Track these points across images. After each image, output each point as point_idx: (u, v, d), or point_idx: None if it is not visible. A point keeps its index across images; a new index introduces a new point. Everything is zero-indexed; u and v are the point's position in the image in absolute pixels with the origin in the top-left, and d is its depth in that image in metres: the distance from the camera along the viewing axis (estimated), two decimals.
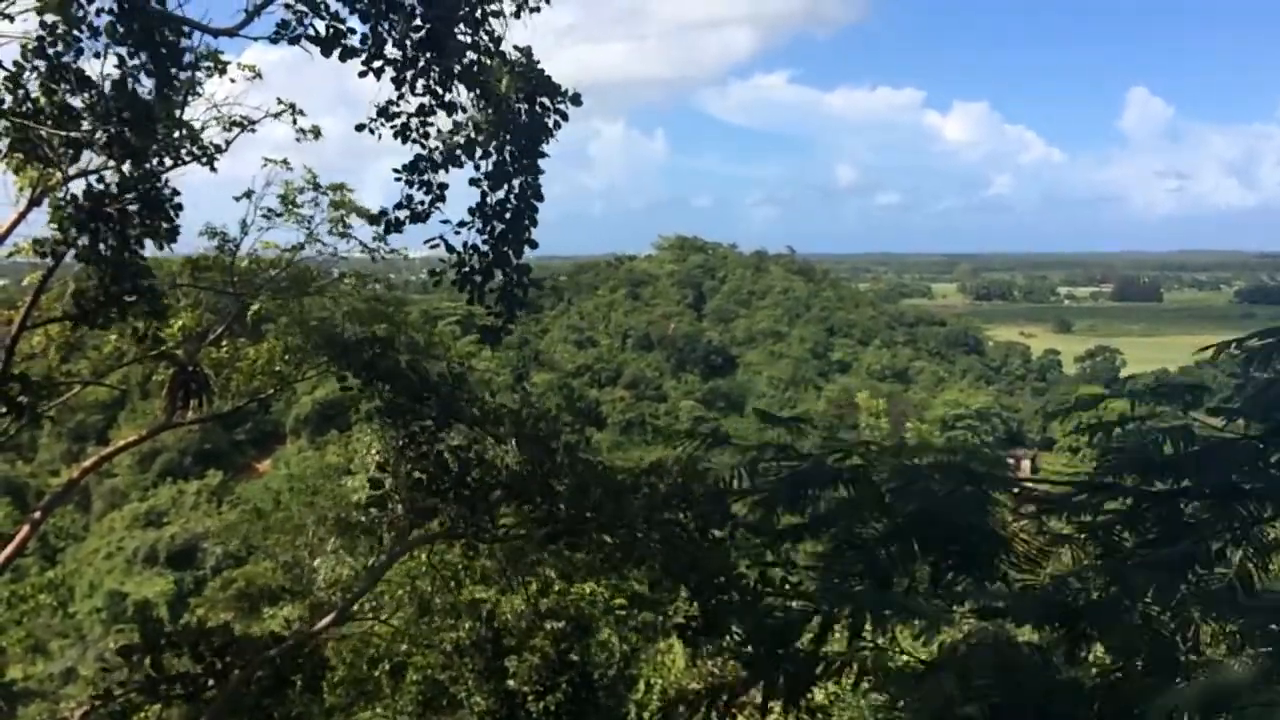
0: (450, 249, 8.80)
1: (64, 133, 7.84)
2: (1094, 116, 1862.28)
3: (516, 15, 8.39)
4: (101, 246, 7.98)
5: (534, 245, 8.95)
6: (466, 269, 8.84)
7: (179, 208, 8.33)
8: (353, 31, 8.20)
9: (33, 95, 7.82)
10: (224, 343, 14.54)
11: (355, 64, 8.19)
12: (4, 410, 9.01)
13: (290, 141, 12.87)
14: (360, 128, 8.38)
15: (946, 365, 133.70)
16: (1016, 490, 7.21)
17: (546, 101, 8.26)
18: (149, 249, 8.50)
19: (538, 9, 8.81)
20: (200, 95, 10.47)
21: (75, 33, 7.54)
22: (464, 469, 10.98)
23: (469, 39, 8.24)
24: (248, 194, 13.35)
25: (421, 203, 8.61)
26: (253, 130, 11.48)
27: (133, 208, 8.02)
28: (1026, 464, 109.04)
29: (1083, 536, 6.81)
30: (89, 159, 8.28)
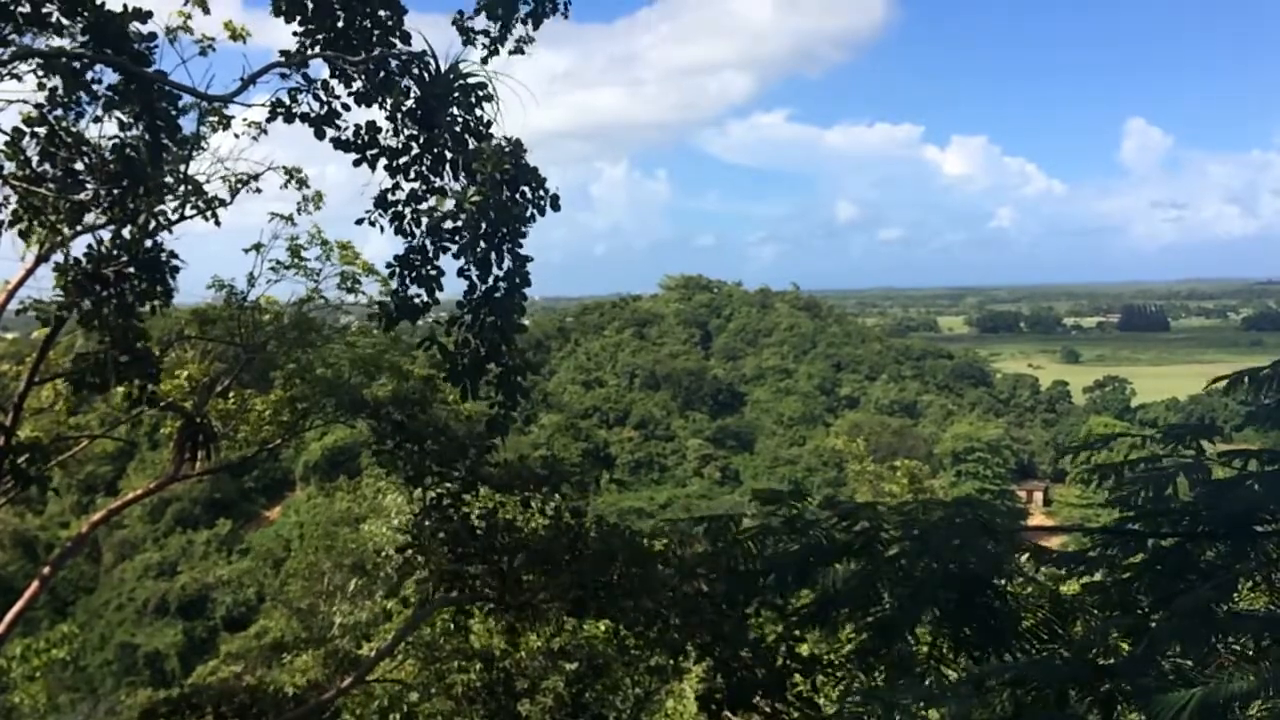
0: (443, 351, 8.67)
1: (66, 197, 7.90)
2: (1093, 147, 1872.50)
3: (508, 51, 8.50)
4: (105, 310, 8.00)
5: (523, 330, 8.88)
6: (458, 369, 8.74)
7: (176, 270, 8.36)
8: (347, 109, 8.28)
9: (33, 161, 7.90)
10: (231, 394, 14.56)
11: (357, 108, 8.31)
12: (10, 479, 9.02)
13: (297, 188, 12.99)
14: (360, 222, 8.41)
15: (955, 398, 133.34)
16: (1028, 553, 7.11)
17: (528, 191, 8.24)
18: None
19: (520, 51, 8.97)
20: (205, 150, 10.59)
21: (78, 95, 7.62)
22: (491, 534, 10.88)
23: (460, 122, 8.30)
24: (256, 247, 13.43)
25: (418, 296, 8.56)
26: (258, 191, 11.57)
27: (130, 270, 8.05)
28: (1039, 495, 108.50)
29: (1096, 597, 6.71)
30: (91, 218, 8.34)
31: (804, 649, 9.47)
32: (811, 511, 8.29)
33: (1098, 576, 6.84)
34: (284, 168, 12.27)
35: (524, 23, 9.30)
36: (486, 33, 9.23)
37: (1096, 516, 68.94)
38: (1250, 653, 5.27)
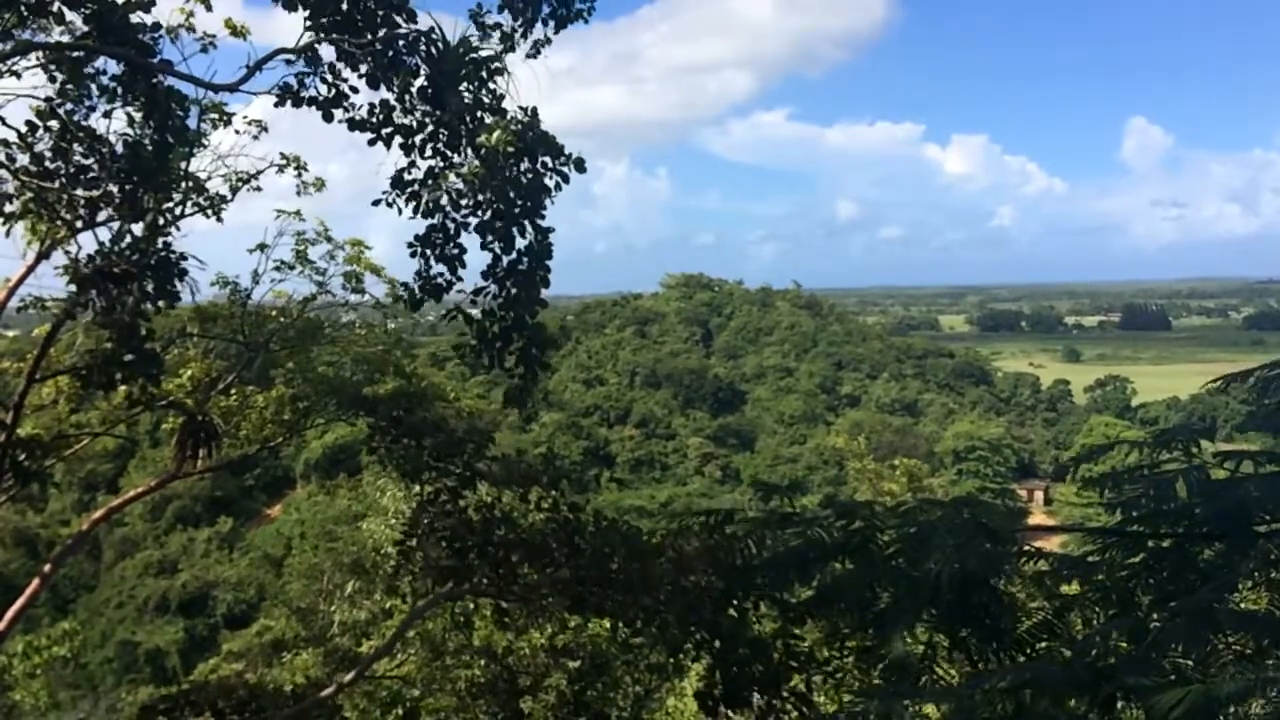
0: (468, 320, 8.65)
1: (78, 192, 7.89)
2: (1094, 146, 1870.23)
3: (525, 53, 8.42)
4: (118, 308, 7.97)
5: (544, 305, 8.83)
6: (487, 336, 8.71)
7: (184, 272, 8.33)
8: (355, 90, 8.20)
9: (45, 156, 7.88)
10: (233, 391, 14.55)
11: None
12: (10, 476, 9.02)
13: (299, 185, 12.97)
14: (377, 203, 8.29)
15: (956, 397, 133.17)
16: (1028, 553, 7.10)
17: (549, 160, 8.13)
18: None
19: (536, 54, 8.91)
20: (206, 147, 10.58)
21: (85, 89, 7.61)
22: (488, 527, 10.86)
23: (471, 97, 8.24)
24: (261, 246, 13.42)
25: (440, 274, 8.48)
26: (258, 189, 11.55)
27: (140, 268, 8.04)
28: (1040, 494, 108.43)
29: (1096, 596, 6.70)
30: (102, 215, 8.33)
31: (802, 647, 9.44)
32: (811, 511, 8.28)
33: (1098, 577, 6.83)
34: (282, 154, 12.24)
35: (544, 24, 9.24)
36: (500, 26, 9.15)
37: (1097, 516, 68.87)
38: (1249, 653, 5.27)
